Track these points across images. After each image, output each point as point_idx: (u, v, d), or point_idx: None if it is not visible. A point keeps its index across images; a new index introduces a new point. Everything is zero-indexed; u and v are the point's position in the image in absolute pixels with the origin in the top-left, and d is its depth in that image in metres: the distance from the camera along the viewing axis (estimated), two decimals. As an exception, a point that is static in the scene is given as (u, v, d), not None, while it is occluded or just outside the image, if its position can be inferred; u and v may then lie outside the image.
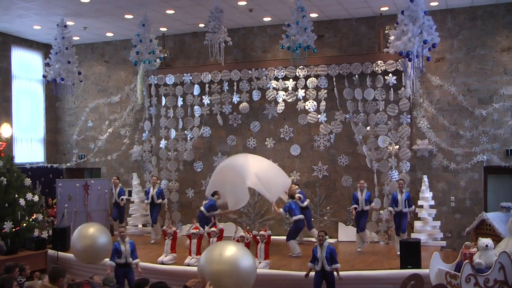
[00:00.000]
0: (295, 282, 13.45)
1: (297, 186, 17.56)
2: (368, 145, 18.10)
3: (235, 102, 19.70)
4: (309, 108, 18.72)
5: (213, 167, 19.53)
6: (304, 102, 18.80)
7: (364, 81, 18.22)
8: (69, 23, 18.18)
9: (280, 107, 19.10)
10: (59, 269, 8.94)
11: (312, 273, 12.69)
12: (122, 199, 18.81)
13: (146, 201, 18.90)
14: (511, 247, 12.59)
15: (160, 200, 18.52)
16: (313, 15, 17.92)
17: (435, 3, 17.02)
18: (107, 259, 13.34)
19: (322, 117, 18.60)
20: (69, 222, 18.33)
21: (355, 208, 16.42)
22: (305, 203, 17.24)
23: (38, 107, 22.19)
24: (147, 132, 20.82)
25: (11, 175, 17.03)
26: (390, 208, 16.22)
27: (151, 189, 18.65)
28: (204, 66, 20.13)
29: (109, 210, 19.37)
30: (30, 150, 21.69)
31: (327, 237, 12.78)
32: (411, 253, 13.65)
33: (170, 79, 20.42)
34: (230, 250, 8.78)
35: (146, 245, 17.82)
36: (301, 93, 18.82)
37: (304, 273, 12.90)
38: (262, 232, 14.68)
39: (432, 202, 17.25)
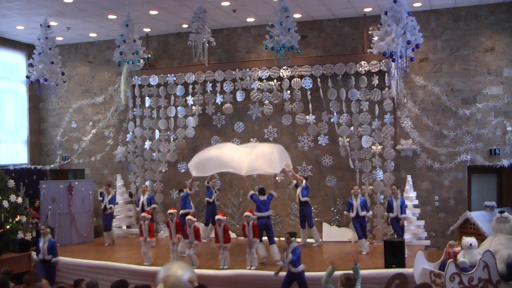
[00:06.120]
0: (278, 283, 13.46)
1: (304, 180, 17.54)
2: (351, 145, 18.17)
3: (219, 103, 19.68)
4: (296, 110, 18.75)
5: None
6: (291, 103, 18.84)
7: (348, 82, 18.26)
8: (52, 23, 18.04)
9: (268, 109, 19.17)
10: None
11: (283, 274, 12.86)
12: (110, 207, 18.68)
13: (137, 208, 18.93)
14: (495, 246, 12.67)
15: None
16: (297, 15, 17.93)
17: (419, 4, 17.10)
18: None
19: (310, 118, 18.63)
20: (53, 223, 18.23)
21: (347, 215, 16.50)
22: (305, 199, 17.24)
23: (21, 108, 22.01)
24: (131, 133, 20.76)
25: (-6, 177, 16.92)
26: (387, 214, 16.31)
27: (141, 196, 18.64)
28: (187, 66, 20.10)
29: (94, 214, 19.33)
30: (13, 152, 21.52)
31: (293, 238, 12.69)
32: (396, 253, 13.71)
33: (154, 79, 20.37)
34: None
35: (131, 247, 17.76)
36: (286, 94, 18.85)
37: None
38: (247, 213, 14.79)
39: (416, 202, 17.31)
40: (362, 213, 16.25)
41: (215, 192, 18.22)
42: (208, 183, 17.96)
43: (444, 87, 17.69)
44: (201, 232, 15.64)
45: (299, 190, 17.27)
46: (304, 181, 17.31)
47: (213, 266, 14.52)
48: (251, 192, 15.77)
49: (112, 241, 18.67)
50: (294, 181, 17.46)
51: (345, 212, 16.61)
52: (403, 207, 15.99)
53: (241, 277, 13.81)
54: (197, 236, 14.90)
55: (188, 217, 15.07)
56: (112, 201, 18.81)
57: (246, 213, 14.77)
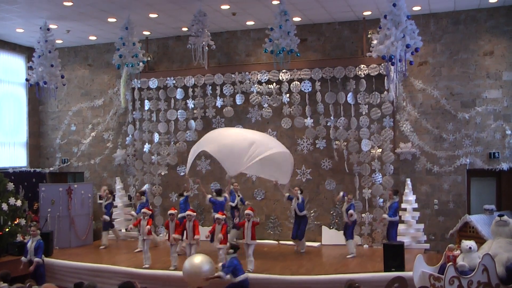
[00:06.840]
0: (280, 286, 13.45)
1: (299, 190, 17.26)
2: (349, 149, 18.17)
3: (219, 106, 19.68)
4: (295, 113, 18.76)
5: (196, 171, 19.51)
6: (290, 107, 18.83)
7: (347, 85, 18.26)
8: (52, 26, 18.05)
9: (267, 112, 19.18)
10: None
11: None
12: (103, 217, 18.66)
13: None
14: (494, 249, 12.66)
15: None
16: (296, 19, 17.93)
17: (418, 8, 17.11)
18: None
19: (309, 122, 18.63)
20: (52, 226, 18.25)
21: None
22: (303, 213, 17.09)
23: (21, 110, 21.98)
24: (130, 136, 20.76)
25: (-7, 180, 16.91)
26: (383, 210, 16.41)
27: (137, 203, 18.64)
28: (187, 70, 20.09)
29: (93, 217, 19.34)
30: (12, 154, 21.47)
31: (231, 250, 12.94)
32: (395, 256, 13.70)
33: (153, 82, 20.38)
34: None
35: (130, 250, 17.74)
36: (285, 97, 18.86)
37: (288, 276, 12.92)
38: (247, 211, 14.87)
39: (416, 205, 17.29)
40: (352, 218, 16.22)
41: (238, 196, 18.03)
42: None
43: (443, 91, 17.69)
44: (230, 235, 15.86)
45: (294, 203, 17.07)
46: (300, 196, 17.10)
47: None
48: (209, 196, 16.60)
49: (116, 238, 19.16)
50: (287, 194, 17.30)
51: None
52: (390, 210, 15.94)
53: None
54: (196, 231, 14.76)
55: (188, 212, 15.01)
56: (108, 207, 18.77)
57: (247, 211, 14.82)
